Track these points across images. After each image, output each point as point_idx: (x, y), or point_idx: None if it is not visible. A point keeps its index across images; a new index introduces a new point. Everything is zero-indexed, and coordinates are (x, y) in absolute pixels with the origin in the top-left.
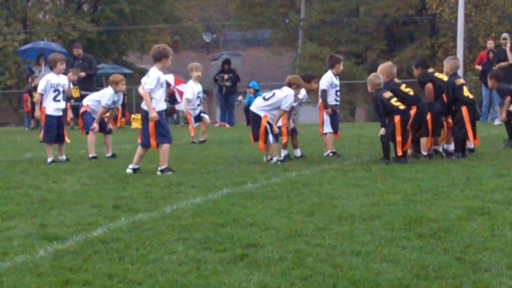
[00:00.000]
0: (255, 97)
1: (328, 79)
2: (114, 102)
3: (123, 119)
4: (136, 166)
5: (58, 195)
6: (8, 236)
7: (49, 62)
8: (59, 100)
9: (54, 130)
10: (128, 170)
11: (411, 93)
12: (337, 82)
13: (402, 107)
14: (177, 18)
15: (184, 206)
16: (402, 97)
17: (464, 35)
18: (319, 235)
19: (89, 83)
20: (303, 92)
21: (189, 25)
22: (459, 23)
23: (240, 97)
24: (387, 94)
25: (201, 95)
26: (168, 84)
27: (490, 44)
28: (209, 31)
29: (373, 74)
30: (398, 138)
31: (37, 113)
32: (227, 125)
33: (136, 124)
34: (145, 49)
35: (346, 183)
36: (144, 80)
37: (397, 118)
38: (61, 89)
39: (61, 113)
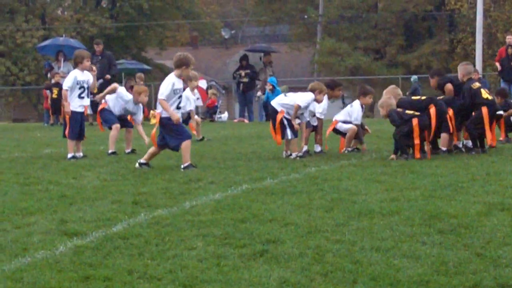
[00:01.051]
0: (273, 93)
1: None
2: (126, 110)
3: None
4: (144, 161)
5: (78, 191)
6: (28, 232)
7: (75, 58)
8: (83, 97)
9: (78, 126)
10: (136, 165)
11: (423, 97)
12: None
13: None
14: (195, 14)
15: (204, 202)
16: (417, 106)
17: (483, 30)
18: (338, 231)
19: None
20: (325, 100)
21: (207, 21)
22: (478, 19)
23: (259, 93)
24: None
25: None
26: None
27: (510, 39)
28: (227, 27)
29: (391, 87)
30: (416, 141)
31: (67, 108)
32: (246, 121)
33: (155, 120)
34: (163, 45)
35: (365, 178)
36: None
37: (415, 121)
38: (85, 85)
39: (83, 109)
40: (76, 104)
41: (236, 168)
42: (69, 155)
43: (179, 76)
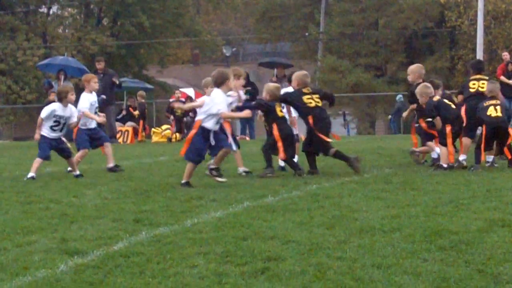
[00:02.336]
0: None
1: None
2: (60, 118)
3: (144, 133)
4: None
5: (79, 209)
6: (29, 251)
7: (59, 94)
8: (55, 130)
9: (48, 148)
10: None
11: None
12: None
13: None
14: (196, 32)
15: (205, 220)
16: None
17: (484, 47)
18: (340, 248)
19: (110, 96)
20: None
21: (209, 38)
22: (478, 35)
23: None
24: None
25: None
26: (189, 98)
27: (506, 55)
28: (229, 45)
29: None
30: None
31: (36, 136)
32: (247, 138)
33: (156, 138)
34: (165, 63)
35: (366, 195)
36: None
37: (448, 128)
38: (62, 121)
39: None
40: (46, 132)
41: (237, 185)
42: (29, 174)
43: (226, 91)
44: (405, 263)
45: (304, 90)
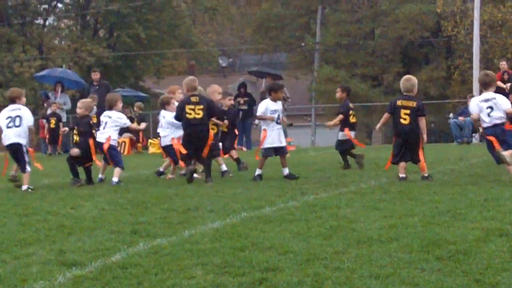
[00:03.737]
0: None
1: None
2: None
3: (140, 144)
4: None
5: (76, 221)
6: (27, 263)
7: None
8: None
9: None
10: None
11: None
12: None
13: None
14: (193, 43)
15: (202, 231)
16: None
17: (480, 56)
18: (337, 259)
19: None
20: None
21: (205, 49)
22: (474, 45)
23: (257, 121)
24: None
25: None
26: None
27: (503, 65)
28: (225, 56)
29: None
30: None
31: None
32: (244, 149)
33: (154, 149)
34: (161, 74)
35: (364, 205)
36: None
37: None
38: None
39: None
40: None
41: (234, 196)
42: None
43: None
44: (402, 273)
45: (192, 99)
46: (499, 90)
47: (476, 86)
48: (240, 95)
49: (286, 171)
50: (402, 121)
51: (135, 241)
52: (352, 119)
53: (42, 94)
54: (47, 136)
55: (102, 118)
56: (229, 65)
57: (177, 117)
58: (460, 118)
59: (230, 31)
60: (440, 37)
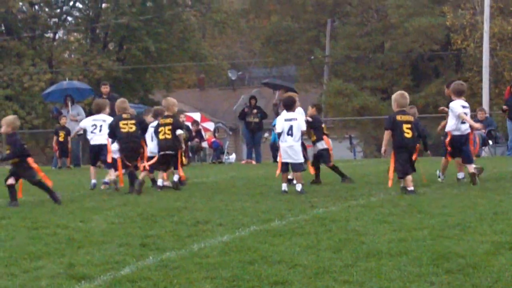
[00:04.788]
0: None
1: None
2: None
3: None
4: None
5: (86, 234)
6: (36, 276)
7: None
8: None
9: None
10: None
11: None
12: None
13: None
14: (202, 56)
15: (212, 244)
16: None
17: (490, 69)
18: (347, 272)
19: None
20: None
21: (214, 62)
22: (484, 58)
23: (266, 134)
24: None
25: None
26: (195, 122)
27: None
28: (234, 69)
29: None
30: None
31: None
32: (253, 162)
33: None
34: (170, 87)
35: (373, 219)
36: None
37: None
38: None
39: None
40: None
41: (244, 209)
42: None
43: None
44: (412, 286)
45: (124, 116)
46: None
47: (486, 99)
48: (250, 108)
49: (298, 187)
50: (406, 135)
51: (145, 254)
52: (326, 131)
53: (54, 110)
54: (57, 150)
55: (95, 122)
56: (238, 78)
57: (110, 134)
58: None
59: (239, 44)
60: (450, 50)
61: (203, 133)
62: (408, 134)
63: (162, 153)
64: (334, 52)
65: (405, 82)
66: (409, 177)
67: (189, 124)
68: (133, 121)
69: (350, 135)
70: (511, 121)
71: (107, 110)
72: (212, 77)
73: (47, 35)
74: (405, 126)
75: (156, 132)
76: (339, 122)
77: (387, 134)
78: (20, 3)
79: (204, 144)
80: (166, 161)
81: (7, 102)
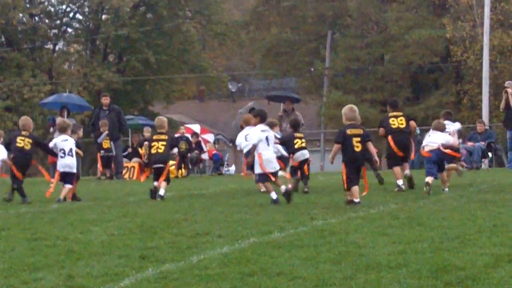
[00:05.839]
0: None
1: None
2: None
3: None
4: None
5: (85, 246)
6: None
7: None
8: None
9: None
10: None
11: None
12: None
13: None
14: (202, 68)
15: (211, 256)
16: None
17: (489, 81)
18: (346, 284)
19: (117, 134)
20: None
21: (214, 74)
22: (484, 70)
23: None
24: None
25: None
26: (194, 134)
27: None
28: (234, 80)
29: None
30: None
31: None
32: (253, 174)
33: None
34: (170, 99)
35: (372, 231)
36: None
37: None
38: None
39: None
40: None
41: (243, 221)
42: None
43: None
44: None
45: (23, 133)
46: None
47: (485, 111)
48: None
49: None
50: (355, 149)
51: (144, 266)
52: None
53: (50, 119)
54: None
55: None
56: (238, 90)
57: (7, 146)
58: (469, 143)
59: (239, 56)
60: (450, 62)
61: (203, 144)
62: (358, 148)
63: (155, 166)
64: (334, 64)
65: (405, 94)
66: (355, 188)
67: (188, 135)
68: (30, 140)
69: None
70: (510, 131)
71: (69, 131)
72: (212, 89)
73: (47, 47)
74: (354, 140)
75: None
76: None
77: (336, 147)
78: (20, 15)
79: (204, 156)
80: (158, 173)
81: (7, 113)
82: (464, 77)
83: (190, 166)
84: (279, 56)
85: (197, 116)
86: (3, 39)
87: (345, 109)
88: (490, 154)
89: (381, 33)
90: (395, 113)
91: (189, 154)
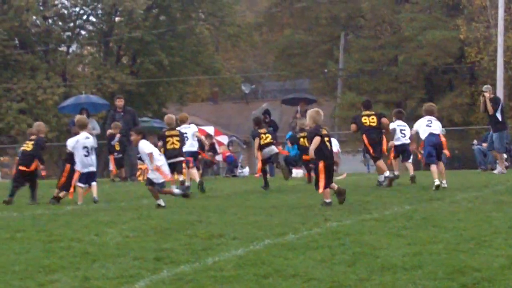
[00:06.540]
0: (293, 147)
1: None
2: None
3: None
4: None
5: (100, 247)
6: None
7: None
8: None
9: None
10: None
11: None
12: None
13: None
14: (215, 70)
15: (226, 258)
16: None
17: (504, 82)
18: (361, 286)
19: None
20: None
21: (227, 76)
22: (498, 71)
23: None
24: None
25: None
26: (208, 135)
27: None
28: (247, 82)
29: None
30: None
31: None
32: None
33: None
34: (184, 101)
35: (387, 232)
36: None
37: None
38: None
39: None
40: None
41: (258, 223)
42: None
43: None
44: None
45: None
46: None
47: None
48: (264, 121)
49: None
50: (329, 148)
51: (159, 268)
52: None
53: (70, 123)
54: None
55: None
56: (252, 92)
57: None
58: (484, 144)
59: (253, 57)
60: (464, 63)
61: (216, 146)
62: (329, 147)
63: (170, 161)
64: (347, 65)
65: (419, 96)
66: (328, 190)
67: (202, 137)
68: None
69: (364, 148)
70: None
71: (89, 127)
72: (225, 91)
73: (60, 49)
74: (326, 139)
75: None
76: (353, 135)
77: (316, 140)
78: (34, 17)
79: (218, 158)
80: (174, 167)
81: (21, 115)
82: (479, 78)
83: (202, 168)
84: (293, 58)
85: (210, 118)
86: (17, 41)
87: (312, 113)
88: (505, 155)
89: (394, 34)
90: (367, 112)
91: (199, 156)
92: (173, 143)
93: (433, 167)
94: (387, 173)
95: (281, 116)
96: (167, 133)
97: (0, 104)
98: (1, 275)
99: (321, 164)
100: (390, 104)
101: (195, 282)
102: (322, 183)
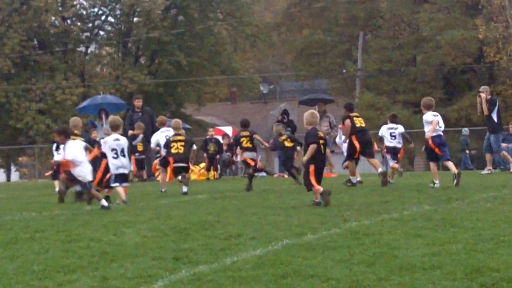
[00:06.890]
0: None
1: None
2: None
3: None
4: None
5: (119, 247)
6: None
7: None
8: None
9: None
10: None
11: None
12: None
13: None
14: (234, 70)
15: (245, 258)
16: None
17: None
18: (380, 286)
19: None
20: None
21: (246, 76)
22: None
23: (299, 148)
24: None
25: None
26: (226, 135)
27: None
28: (266, 82)
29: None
30: None
31: None
32: (285, 176)
33: (194, 176)
34: (202, 101)
35: (406, 233)
36: None
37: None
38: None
39: None
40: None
41: (276, 223)
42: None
43: None
44: None
45: None
46: None
47: None
48: (282, 121)
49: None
50: (322, 152)
51: (178, 268)
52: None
53: (89, 123)
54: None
55: (113, 142)
56: (270, 92)
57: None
58: (503, 144)
59: (271, 57)
60: (483, 63)
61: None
62: (323, 150)
63: (175, 165)
64: (366, 65)
65: (437, 96)
66: (319, 188)
67: (219, 137)
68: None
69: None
70: None
71: (121, 129)
72: (243, 91)
73: (79, 49)
74: (321, 142)
75: (168, 147)
76: (371, 136)
77: (312, 148)
78: (53, 18)
79: (237, 158)
80: (179, 171)
81: (40, 116)
82: (497, 78)
83: (219, 168)
84: (311, 58)
85: (229, 118)
86: (35, 42)
87: (307, 115)
88: None
89: (413, 34)
90: (355, 114)
91: (217, 156)
92: (177, 148)
93: (433, 167)
94: (380, 169)
95: (299, 116)
96: (172, 138)
97: (19, 104)
98: (20, 275)
99: (311, 168)
100: (408, 104)
101: (214, 282)
102: (313, 181)
